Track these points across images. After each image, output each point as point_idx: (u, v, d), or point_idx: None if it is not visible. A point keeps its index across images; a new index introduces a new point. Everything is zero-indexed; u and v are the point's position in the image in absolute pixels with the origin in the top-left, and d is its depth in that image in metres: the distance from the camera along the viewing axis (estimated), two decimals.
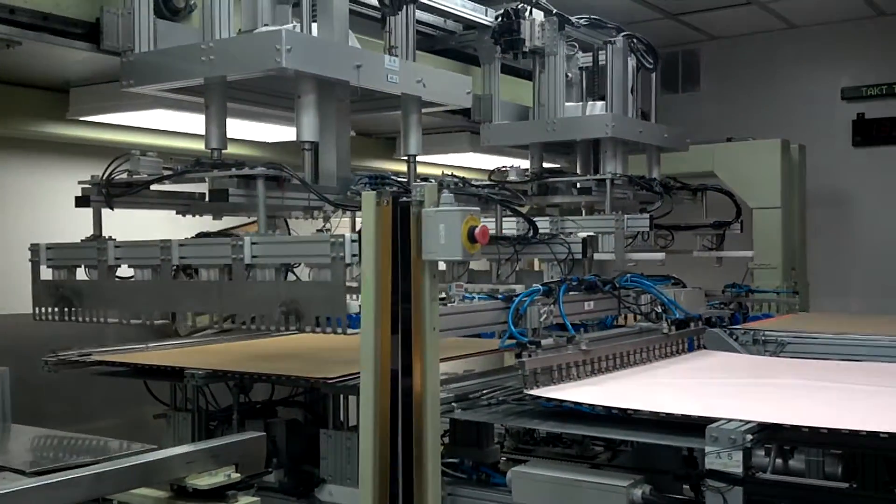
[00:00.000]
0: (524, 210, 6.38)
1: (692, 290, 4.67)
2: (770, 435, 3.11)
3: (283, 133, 6.05)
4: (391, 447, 3.05)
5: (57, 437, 3.44)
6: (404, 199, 3.03)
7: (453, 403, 3.71)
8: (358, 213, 3.68)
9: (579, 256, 5.22)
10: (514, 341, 3.58)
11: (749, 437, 2.92)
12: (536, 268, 6.17)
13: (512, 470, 3.42)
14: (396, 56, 4.33)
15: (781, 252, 9.08)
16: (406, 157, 4.56)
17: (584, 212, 6.60)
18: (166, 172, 3.96)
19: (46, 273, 4.22)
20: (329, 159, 4.06)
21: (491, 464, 3.82)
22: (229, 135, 6.02)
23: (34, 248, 4.19)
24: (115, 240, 4.05)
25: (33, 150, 6.24)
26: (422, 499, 3.03)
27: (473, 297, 3.72)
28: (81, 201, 4.13)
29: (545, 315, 3.71)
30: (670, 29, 11.11)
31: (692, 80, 12.03)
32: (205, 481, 2.90)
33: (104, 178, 4.01)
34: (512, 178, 6.29)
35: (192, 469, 2.92)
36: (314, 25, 4.00)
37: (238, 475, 2.98)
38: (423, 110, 4.52)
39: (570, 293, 4.12)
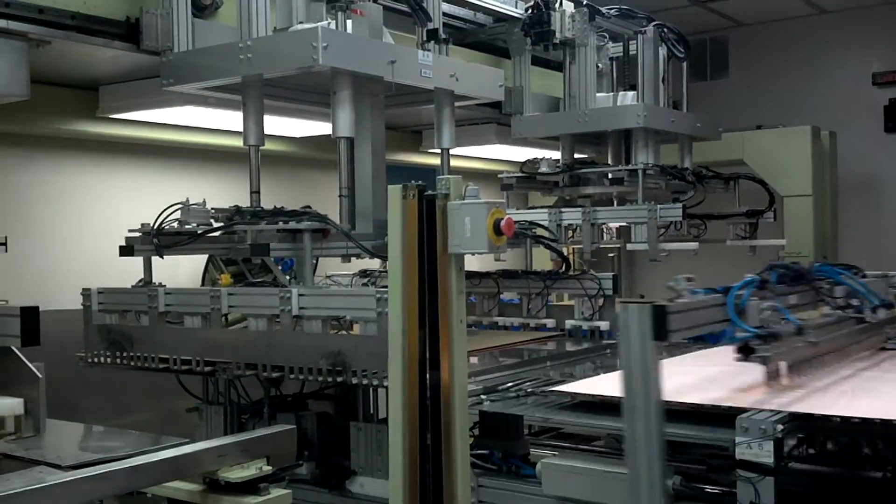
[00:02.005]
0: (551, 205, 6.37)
1: (874, 279, 4.44)
2: (801, 425, 3.09)
3: (313, 128, 6.10)
4: (420, 439, 3.06)
5: (91, 432, 3.48)
6: (430, 192, 3.04)
7: (482, 395, 3.73)
8: None
9: (610, 293, 5.18)
10: (743, 334, 3.25)
11: (780, 426, 2.90)
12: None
13: (542, 462, 3.42)
14: (429, 51, 4.35)
15: (813, 240, 9.00)
16: (439, 151, 4.63)
17: (615, 202, 6.58)
18: (215, 223, 4.08)
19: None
20: (364, 154, 4.11)
21: (521, 455, 3.83)
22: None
23: (86, 293, 4.25)
24: (164, 286, 4.13)
25: (63, 147, 6.32)
26: (451, 490, 3.04)
27: (699, 292, 3.27)
28: (125, 251, 4.20)
29: (769, 311, 3.30)
30: (697, 16, 11.02)
31: (720, 68, 11.93)
32: (237, 474, 2.93)
33: (155, 227, 4.08)
34: (543, 168, 6.28)
35: (224, 462, 2.95)
36: (349, 22, 4.05)
37: (269, 468, 3.01)
38: (456, 104, 4.57)
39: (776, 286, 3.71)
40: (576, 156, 6.65)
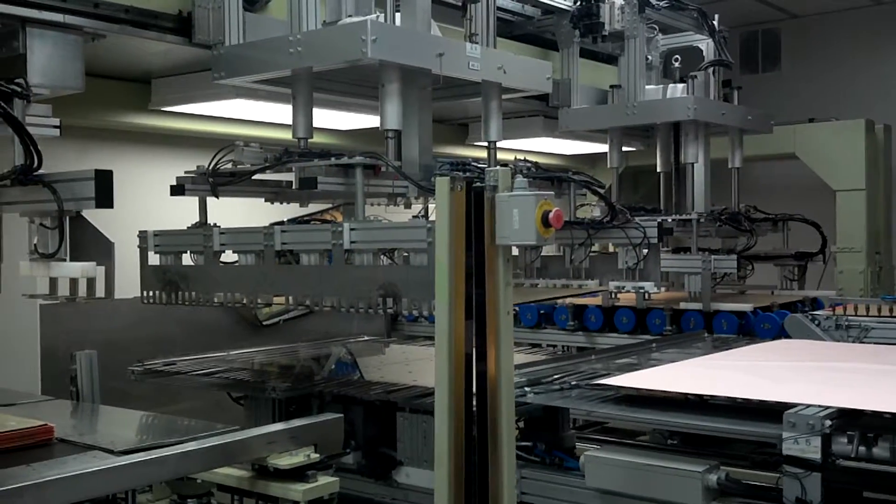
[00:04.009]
0: None
1: None
2: (850, 421, 3.05)
3: (360, 121, 6.12)
4: (466, 430, 3.08)
5: (143, 418, 3.55)
6: (478, 184, 3.04)
7: (526, 388, 3.73)
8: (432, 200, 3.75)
9: (654, 241, 5.17)
10: None
11: (828, 422, 2.89)
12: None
13: (585, 454, 3.43)
14: (477, 43, 4.36)
15: (865, 235, 8.85)
16: (486, 144, 4.60)
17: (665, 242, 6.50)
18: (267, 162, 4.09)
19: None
20: (412, 146, 4.12)
21: (565, 448, 3.83)
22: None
23: (142, 235, 4.34)
24: (219, 227, 4.19)
25: (117, 139, 6.41)
26: (497, 481, 3.05)
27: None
28: (176, 190, 4.26)
29: None
30: (750, 8, 10.89)
31: (773, 60, 11.78)
32: (285, 461, 2.97)
33: (210, 167, 4.15)
34: (596, 214, 6.21)
35: (272, 449, 2.99)
36: (397, 15, 4.07)
37: (317, 455, 3.04)
38: (504, 96, 4.54)
39: None
40: (625, 148, 6.57)
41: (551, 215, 2.99)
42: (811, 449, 2.84)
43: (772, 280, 7.16)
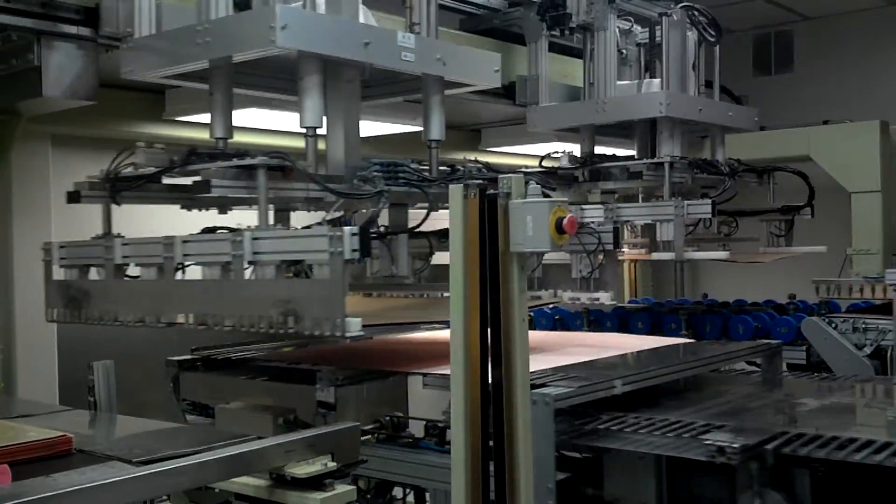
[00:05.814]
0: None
1: None
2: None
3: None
4: (482, 437, 3.08)
5: (161, 428, 3.56)
6: (491, 191, 3.04)
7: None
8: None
9: (610, 247, 4.83)
10: None
11: (341, 377, 3.88)
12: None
13: (217, 406, 4.13)
14: (418, 33, 3.94)
15: (882, 237, 8.81)
16: (430, 144, 4.11)
17: (640, 199, 5.99)
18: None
19: None
20: (337, 146, 3.79)
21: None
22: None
23: (47, 248, 3.92)
24: (123, 237, 3.76)
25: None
26: (514, 487, 3.05)
27: None
28: (72, 197, 3.80)
29: None
30: (762, 10, 10.88)
31: (786, 62, 11.75)
32: (302, 470, 2.97)
33: (109, 171, 3.71)
34: (564, 163, 5.68)
35: (290, 458, 2.99)
36: (321, 1, 3.70)
37: (334, 464, 3.05)
38: (448, 91, 4.10)
39: None
40: (602, 151, 5.97)
41: (565, 221, 2.99)
42: (329, 395, 3.85)
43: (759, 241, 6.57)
